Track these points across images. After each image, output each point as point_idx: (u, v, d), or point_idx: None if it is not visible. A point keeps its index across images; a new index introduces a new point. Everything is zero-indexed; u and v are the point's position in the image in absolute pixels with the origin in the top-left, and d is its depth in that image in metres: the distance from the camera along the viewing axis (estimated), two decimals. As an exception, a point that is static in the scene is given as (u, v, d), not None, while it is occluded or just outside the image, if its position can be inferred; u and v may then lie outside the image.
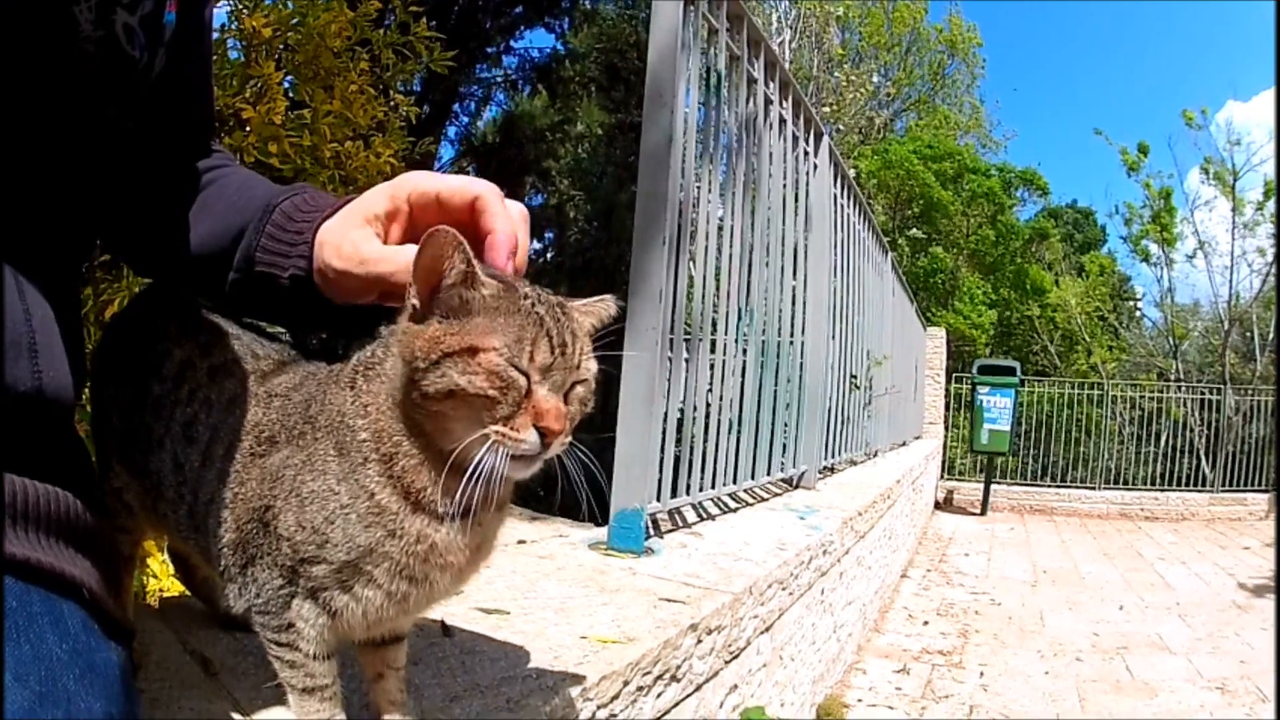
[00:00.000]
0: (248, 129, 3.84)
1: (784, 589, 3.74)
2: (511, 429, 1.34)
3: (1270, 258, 26.28)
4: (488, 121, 24.80)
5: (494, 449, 1.33)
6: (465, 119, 25.82)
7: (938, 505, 15.82)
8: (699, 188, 4.51)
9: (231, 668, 1.84)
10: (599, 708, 2.12)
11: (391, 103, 4.69)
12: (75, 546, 1.24)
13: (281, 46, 4.25)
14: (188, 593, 2.20)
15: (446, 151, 24.94)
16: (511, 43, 24.56)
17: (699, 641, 2.77)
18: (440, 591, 1.47)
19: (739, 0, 4.66)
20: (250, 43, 4.07)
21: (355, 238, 1.46)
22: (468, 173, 23.04)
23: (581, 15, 23.89)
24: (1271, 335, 26.36)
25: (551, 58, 24.10)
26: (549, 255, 23.07)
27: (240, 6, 4.11)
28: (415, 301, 1.39)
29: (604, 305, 1.55)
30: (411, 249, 1.37)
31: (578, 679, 2.03)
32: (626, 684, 2.26)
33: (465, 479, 1.34)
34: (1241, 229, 27.39)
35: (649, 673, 2.41)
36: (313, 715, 1.49)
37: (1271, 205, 26.36)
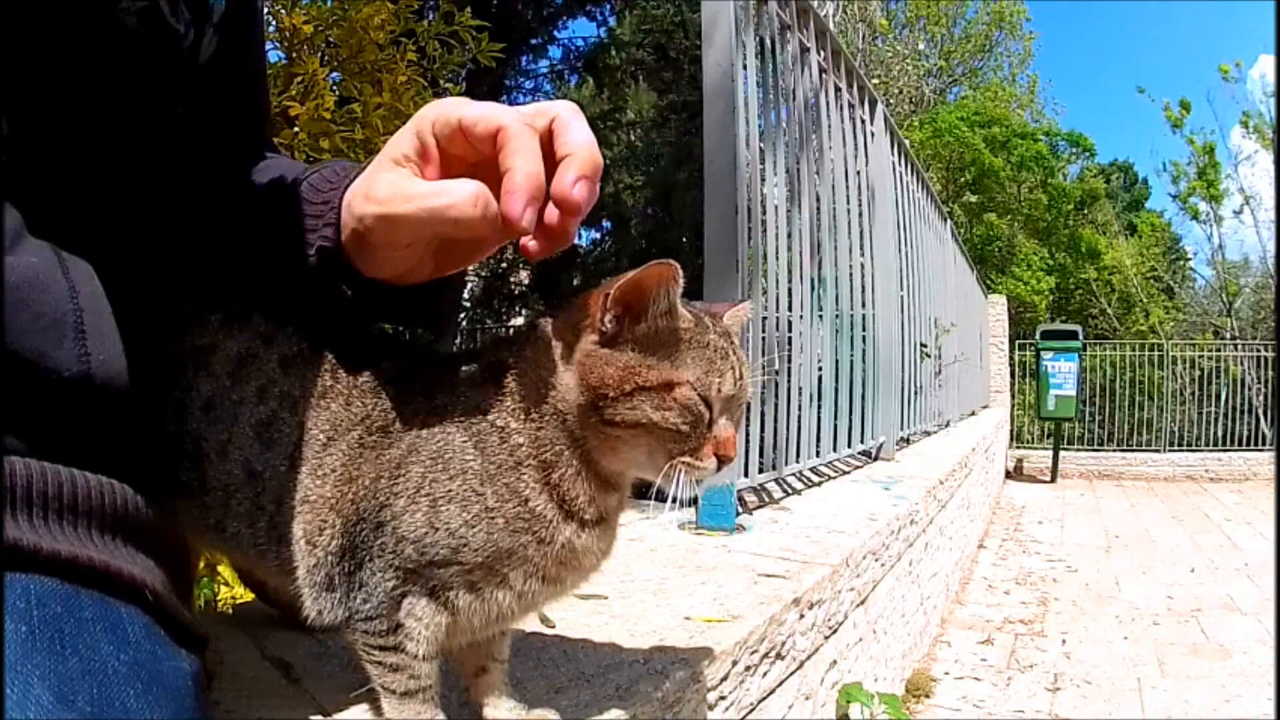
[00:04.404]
0: (296, 126, 3.80)
1: (877, 560, 3.70)
2: (697, 459, 1.34)
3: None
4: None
5: (679, 477, 1.33)
6: None
7: (1008, 474, 15.70)
8: (764, 159, 4.46)
9: (314, 672, 1.77)
10: (709, 690, 2.05)
11: (441, 92, 4.63)
12: (134, 543, 1.11)
13: (324, 43, 4.22)
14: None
15: None
16: (555, 33, 24.40)
17: (801, 616, 2.72)
18: (567, 590, 1.45)
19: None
20: (291, 41, 4.04)
21: (390, 179, 1.28)
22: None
23: (623, 2, 23.77)
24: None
25: (597, 46, 24.01)
26: (607, 244, 23.02)
27: (278, 6, 4.07)
28: (609, 324, 1.34)
29: (743, 311, 1.55)
30: (470, 184, 1.21)
31: (686, 662, 1.95)
32: (735, 664, 2.21)
33: (621, 493, 1.41)
34: None
35: (756, 651, 2.35)
36: (413, 718, 1.41)
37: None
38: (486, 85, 21.28)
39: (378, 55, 4.04)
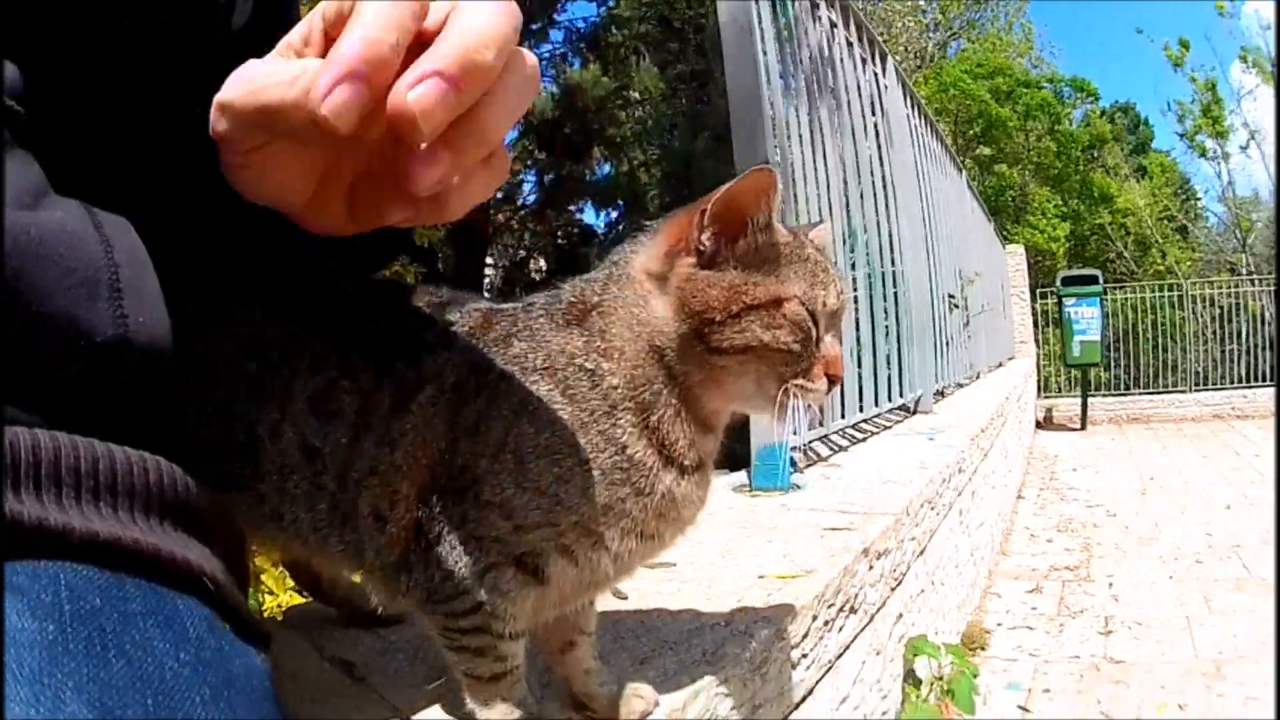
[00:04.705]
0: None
1: (932, 508, 3.71)
2: (810, 380, 1.26)
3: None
4: (544, 98, 24.81)
5: (794, 403, 1.25)
6: None
7: (1038, 424, 15.69)
8: (789, 115, 4.44)
9: (380, 669, 1.70)
10: (793, 647, 2.04)
11: None
12: (186, 528, 0.95)
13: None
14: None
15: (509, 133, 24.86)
16: (555, 16, 24.30)
17: (870, 567, 2.71)
18: (665, 547, 1.35)
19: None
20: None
21: (244, 68, 0.96)
22: (531, 152, 23.05)
23: (621, -20, 23.64)
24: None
25: (597, 26, 23.76)
26: (621, 226, 22.96)
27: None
28: (707, 243, 1.25)
29: (825, 231, 1.48)
30: (303, 62, 0.90)
31: (769, 620, 1.93)
32: (815, 619, 2.20)
33: (777, 419, 1.26)
34: None
35: (832, 604, 2.34)
36: (499, 703, 1.31)
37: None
38: None
39: None
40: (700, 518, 1.37)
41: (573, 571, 1.26)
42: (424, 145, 0.88)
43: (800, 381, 1.24)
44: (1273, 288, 19.93)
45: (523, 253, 23.79)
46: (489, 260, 23.11)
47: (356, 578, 1.41)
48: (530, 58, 0.95)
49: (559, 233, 23.16)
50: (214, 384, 1.31)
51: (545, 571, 1.25)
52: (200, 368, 1.28)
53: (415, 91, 0.82)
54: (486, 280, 21.75)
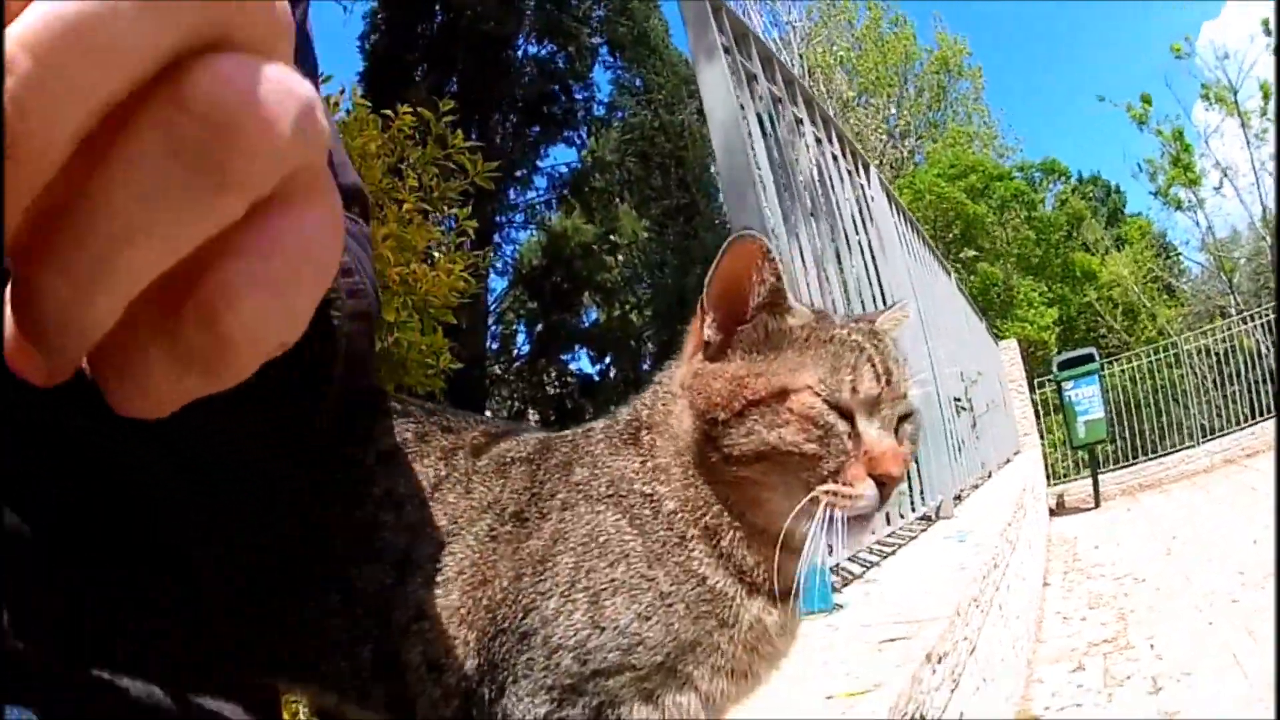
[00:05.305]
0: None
1: (978, 606, 3.78)
2: (844, 484, 1.10)
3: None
4: (529, 244, 24.85)
5: (826, 514, 1.09)
6: (507, 247, 25.54)
7: (1051, 512, 15.62)
8: (786, 232, 4.55)
9: None
10: None
11: (443, 217, 4.68)
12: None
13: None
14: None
15: (497, 283, 24.38)
16: (538, 163, 24.70)
17: (933, 672, 2.72)
18: (758, 685, 1.19)
19: (765, 44, 4.76)
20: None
21: None
22: (522, 302, 23.03)
23: (599, 123, 24.06)
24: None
25: (579, 172, 24.14)
26: (612, 374, 22.88)
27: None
28: (711, 329, 1.19)
29: (903, 312, 1.37)
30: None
31: None
32: None
33: (802, 554, 1.12)
34: (1255, 140, 27.87)
35: (905, 713, 2.33)
36: None
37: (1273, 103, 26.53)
38: (486, 212, 21.09)
39: (380, 183, 3.98)
40: (794, 650, 1.24)
41: (655, 718, 1.11)
42: None
43: (830, 488, 1.10)
44: (1266, 320, 20.02)
45: (519, 405, 23.71)
46: (488, 414, 23.26)
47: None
48: None
49: (555, 383, 23.21)
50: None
51: None
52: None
53: None
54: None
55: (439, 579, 1.13)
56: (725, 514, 1.13)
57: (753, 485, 1.13)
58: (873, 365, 1.13)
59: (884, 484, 1.11)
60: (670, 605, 1.09)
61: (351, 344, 1.10)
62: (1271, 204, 27.93)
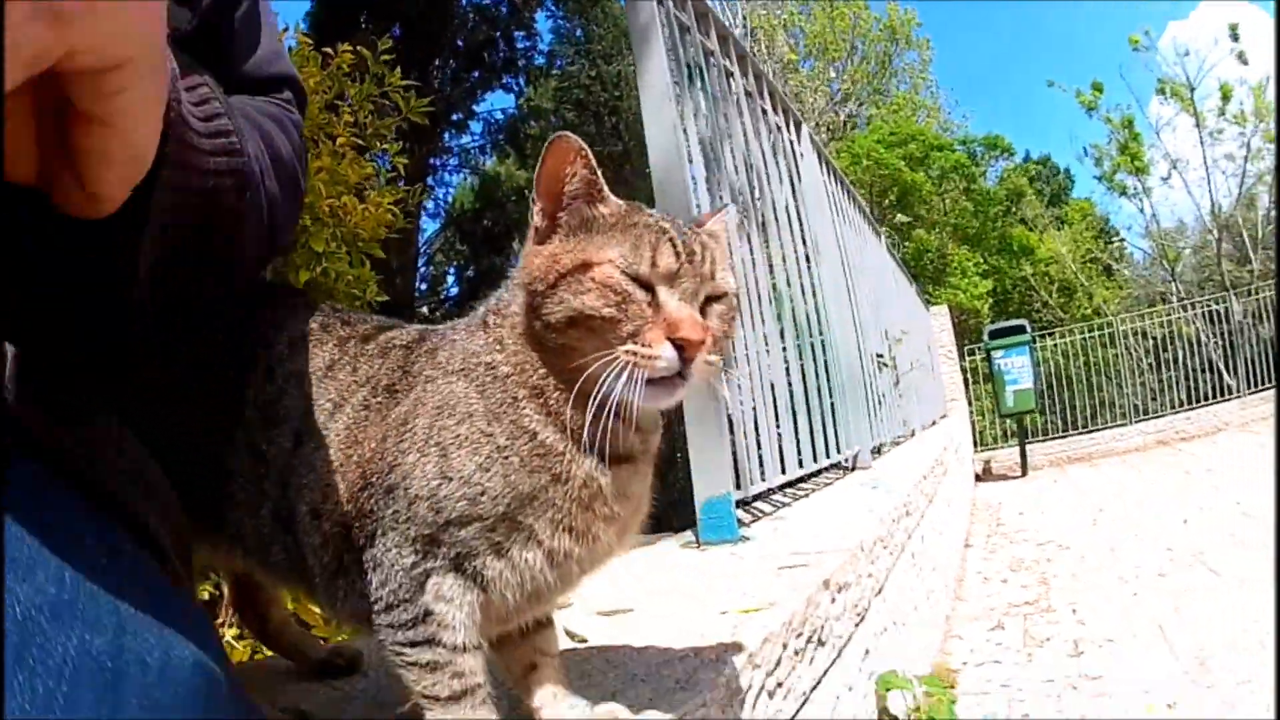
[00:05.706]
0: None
1: (885, 548, 3.75)
2: (644, 345, 1.24)
3: (1242, 161, 26.96)
4: (463, 188, 24.84)
5: (625, 372, 1.23)
6: (440, 190, 25.84)
7: (977, 477, 15.73)
8: (709, 186, 4.53)
9: (336, 717, 1.70)
10: (767, 675, 2.06)
11: (377, 154, 4.61)
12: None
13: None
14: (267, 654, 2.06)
15: (429, 225, 24.95)
16: (474, 107, 24.77)
17: (833, 600, 2.74)
18: (602, 552, 1.37)
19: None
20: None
21: None
22: (453, 244, 23.22)
23: (538, 71, 24.14)
24: (1265, 231, 26.74)
25: (516, 118, 24.39)
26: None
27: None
28: (539, 217, 1.36)
29: (724, 214, 1.52)
30: None
31: (739, 647, 1.96)
32: (785, 647, 2.22)
33: (601, 411, 1.25)
34: (1209, 139, 27.89)
35: (800, 634, 2.36)
36: None
37: (1232, 105, 26.86)
38: (425, 148, 21.24)
39: (317, 118, 3.94)
40: (640, 521, 1.43)
41: (510, 574, 1.29)
42: None
43: (630, 348, 1.24)
44: (1208, 307, 20.25)
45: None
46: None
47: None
48: None
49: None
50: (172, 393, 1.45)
51: (483, 575, 1.29)
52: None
53: None
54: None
55: (323, 443, 1.35)
56: (550, 376, 1.31)
57: (569, 351, 1.29)
58: (673, 244, 1.30)
59: (683, 348, 1.24)
60: (507, 458, 1.27)
61: (220, 198, 1.18)
62: (1220, 200, 28.32)
